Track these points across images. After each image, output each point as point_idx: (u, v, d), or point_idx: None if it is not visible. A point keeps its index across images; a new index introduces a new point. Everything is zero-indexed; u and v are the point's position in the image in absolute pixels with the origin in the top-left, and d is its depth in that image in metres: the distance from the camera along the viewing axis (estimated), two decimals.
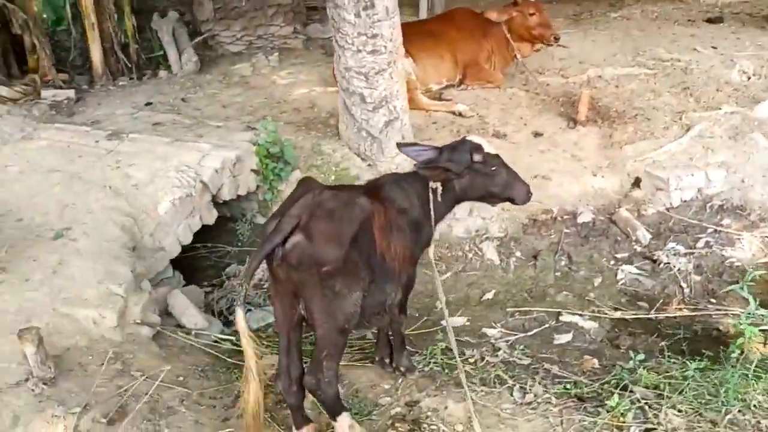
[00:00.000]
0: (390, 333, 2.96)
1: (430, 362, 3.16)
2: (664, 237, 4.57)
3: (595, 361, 3.35)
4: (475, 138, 2.84)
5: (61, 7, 5.91)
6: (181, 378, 2.91)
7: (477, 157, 2.68)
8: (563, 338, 3.68)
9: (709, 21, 7.92)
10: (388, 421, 2.61)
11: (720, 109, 5.57)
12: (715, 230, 4.59)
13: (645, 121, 5.51)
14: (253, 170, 4.19)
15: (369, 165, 4.65)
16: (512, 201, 2.96)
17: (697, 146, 5.09)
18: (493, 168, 2.74)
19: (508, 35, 5.89)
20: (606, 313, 3.90)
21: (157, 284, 3.56)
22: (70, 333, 2.80)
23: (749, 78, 6.22)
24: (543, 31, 5.75)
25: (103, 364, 2.73)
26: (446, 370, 3.12)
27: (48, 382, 2.54)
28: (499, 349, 3.49)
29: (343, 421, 2.50)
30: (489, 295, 4.05)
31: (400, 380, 2.98)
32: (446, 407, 2.73)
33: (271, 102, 5.61)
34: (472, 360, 3.28)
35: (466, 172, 2.67)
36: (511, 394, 2.90)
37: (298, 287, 2.32)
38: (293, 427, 2.55)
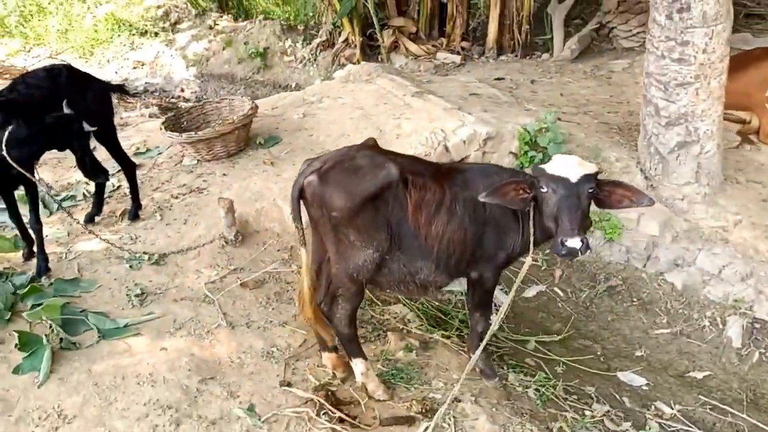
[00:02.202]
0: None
1: (531, 385, 2.91)
2: None
3: None
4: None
5: None
6: None
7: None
8: None
9: None
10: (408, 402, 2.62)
11: None
12: None
13: None
14: (511, 152, 4.25)
15: (651, 186, 4.12)
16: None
17: None
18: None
19: None
20: None
21: None
22: (273, 219, 3.64)
23: None
24: None
25: (279, 251, 3.51)
26: (539, 400, 2.85)
27: (228, 242, 3.45)
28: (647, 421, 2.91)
29: (357, 365, 2.64)
30: (697, 374, 3.27)
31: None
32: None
33: (608, 100, 5.35)
34: (589, 414, 2.86)
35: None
36: None
37: (317, 224, 2.51)
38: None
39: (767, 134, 4.61)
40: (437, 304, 3.57)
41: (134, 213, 3.74)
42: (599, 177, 2.41)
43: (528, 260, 2.50)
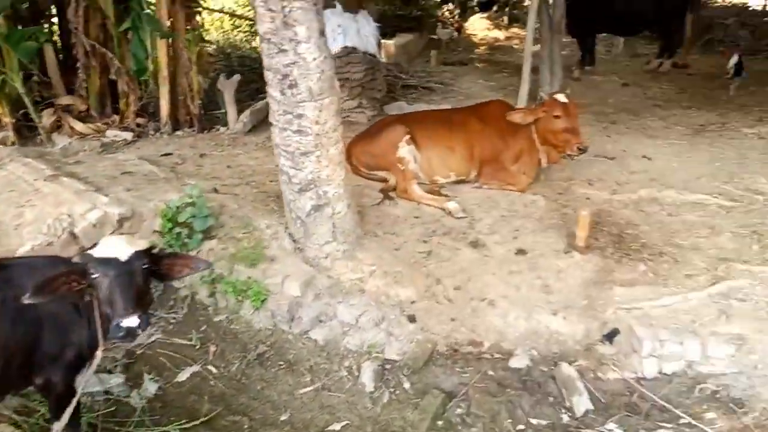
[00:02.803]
0: None
1: None
2: (611, 414, 3.49)
3: None
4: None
5: (144, 59, 6.64)
6: None
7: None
8: None
9: None
10: None
11: None
12: (689, 423, 3.39)
13: (670, 263, 4.37)
14: (156, 231, 4.18)
15: (299, 248, 4.34)
16: None
17: (711, 308, 3.87)
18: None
19: (535, 137, 5.17)
20: None
21: None
22: None
23: None
24: (569, 137, 4.92)
25: None
26: None
27: None
28: None
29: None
30: (335, 426, 3.42)
31: None
32: None
33: (273, 170, 5.55)
34: None
35: None
36: None
37: None
38: None
39: (402, 189, 5.20)
40: None
41: None
42: (157, 252, 2.39)
43: (98, 354, 2.35)
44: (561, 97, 4.86)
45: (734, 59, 8.97)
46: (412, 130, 5.24)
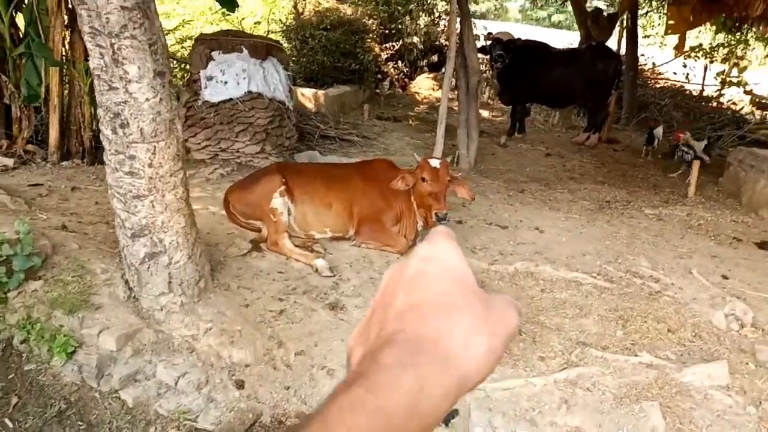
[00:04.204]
0: None
1: None
2: None
3: None
4: None
5: (37, 85, 6.39)
6: None
7: None
8: None
9: (761, 246, 6.19)
10: None
11: (637, 355, 4.07)
12: None
13: (527, 342, 4.19)
14: None
15: (134, 297, 4.03)
16: None
17: (555, 395, 3.68)
18: None
19: (413, 199, 5.02)
20: None
21: None
22: None
23: (742, 327, 4.57)
24: (431, 202, 4.77)
25: None
26: None
27: None
28: None
29: None
30: None
31: None
32: None
33: None
34: None
35: None
36: None
37: None
38: None
39: (273, 242, 4.97)
40: None
41: None
42: None
43: None
44: (433, 161, 4.73)
45: (659, 130, 9.26)
46: (290, 182, 5.05)
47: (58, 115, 6.47)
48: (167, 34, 11.37)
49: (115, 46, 3.33)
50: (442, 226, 0.64)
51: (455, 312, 0.55)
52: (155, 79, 3.48)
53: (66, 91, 6.76)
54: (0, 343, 3.93)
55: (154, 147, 3.68)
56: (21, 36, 6.58)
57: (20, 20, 6.66)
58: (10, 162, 6.29)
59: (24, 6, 6.44)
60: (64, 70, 6.56)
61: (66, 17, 6.32)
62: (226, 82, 6.73)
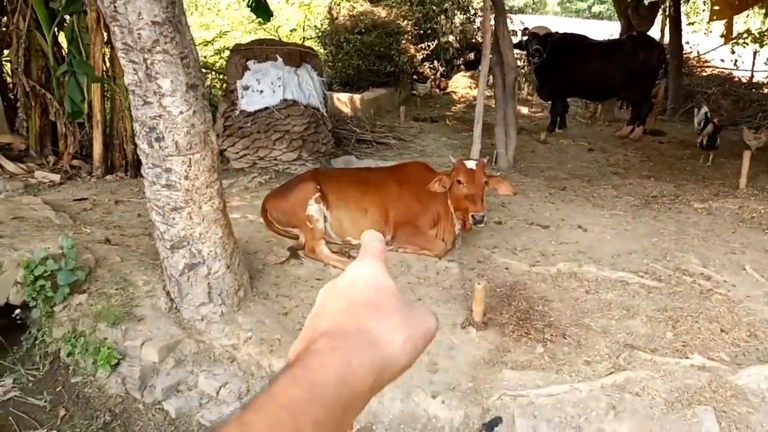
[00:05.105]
0: None
1: None
2: None
3: None
4: None
5: (81, 101, 6.58)
6: None
7: None
8: None
9: None
10: None
11: (688, 358, 3.90)
12: None
13: (571, 345, 4.07)
14: (18, 282, 3.95)
15: (175, 308, 4.09)
16: None
17: (602, 401, 3.55)
18: None
19: (449, 201, 4.95)
20: None
21: None
22: None
23: None
24: (467, 204, 4.67)
25: None
26: None
27: None
28: None
29: None
30: None
31: None
32: None
33: None
34: None
35: None
36: None
37: None
38: None
39: (311, 249, 4.97)
40: None
41: None
42: None
43: None
44: (469, 163, 4.64)
45: (703, 110, 8.93)
46: (325, 188, 5.04)
47: (101, 130, 6.64)
48: (206, 45, 11.60)
49: (148, 61, 3.37)
50: (373, 243, 0.71)
51: (381, 311, 0.63)
52: (188, 92, 3.51)
53: (108, 107, 6.93)
54: (48, 356, 4.05)
55: (190, 159, 3.71)
56: (64, 54, 6.78)
57: (62, 38, 6.86)
58: (56, 177, 6.48)
59: (66, 25, 6.63)
60: (106, 86, 6.73)
61: (105, 34, 6.47)
62: (261, 91, 6.79)
